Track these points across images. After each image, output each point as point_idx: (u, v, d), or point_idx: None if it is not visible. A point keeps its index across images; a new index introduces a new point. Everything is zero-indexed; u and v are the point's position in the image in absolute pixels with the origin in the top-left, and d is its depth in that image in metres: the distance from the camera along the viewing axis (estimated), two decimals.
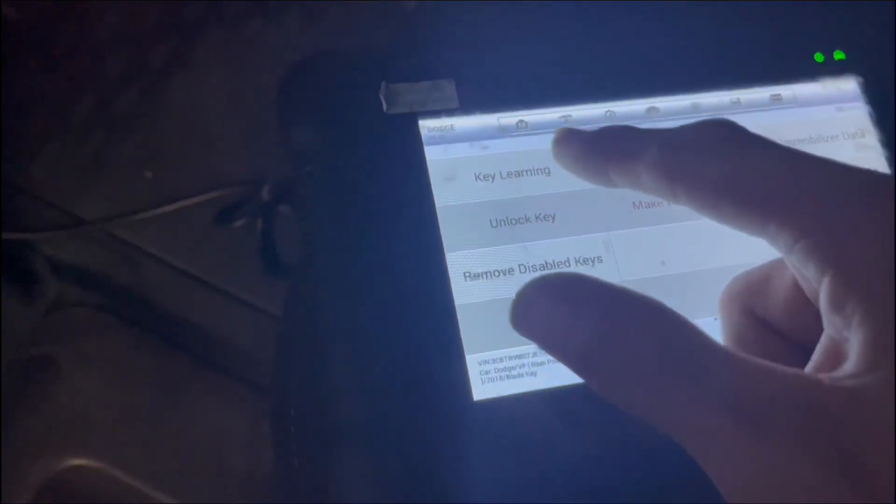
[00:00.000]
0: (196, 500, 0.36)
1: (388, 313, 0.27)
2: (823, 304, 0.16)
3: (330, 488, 0.26)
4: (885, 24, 0.33)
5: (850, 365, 0.15)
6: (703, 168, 0.18)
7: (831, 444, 0.14)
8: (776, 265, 0.20)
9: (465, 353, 0.27)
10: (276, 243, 0.37)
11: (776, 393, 0.15)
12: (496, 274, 0.28)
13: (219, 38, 0.43)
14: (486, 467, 0.26)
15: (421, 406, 0.26)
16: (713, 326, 0.28)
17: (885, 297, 0.15)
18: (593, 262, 0.29)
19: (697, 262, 0.29)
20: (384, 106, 0.29)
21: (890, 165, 0.31)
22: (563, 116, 0.30)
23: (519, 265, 0.28)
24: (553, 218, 0.29)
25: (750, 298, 0.21)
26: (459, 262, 0.28)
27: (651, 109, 0.31)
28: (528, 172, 0.29)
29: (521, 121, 0.30)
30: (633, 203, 0.29)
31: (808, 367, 0.17)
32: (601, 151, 0.21)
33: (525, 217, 0.29)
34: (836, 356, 0.16)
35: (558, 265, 0.28)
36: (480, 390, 0.27)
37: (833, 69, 0.32)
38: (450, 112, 0.30)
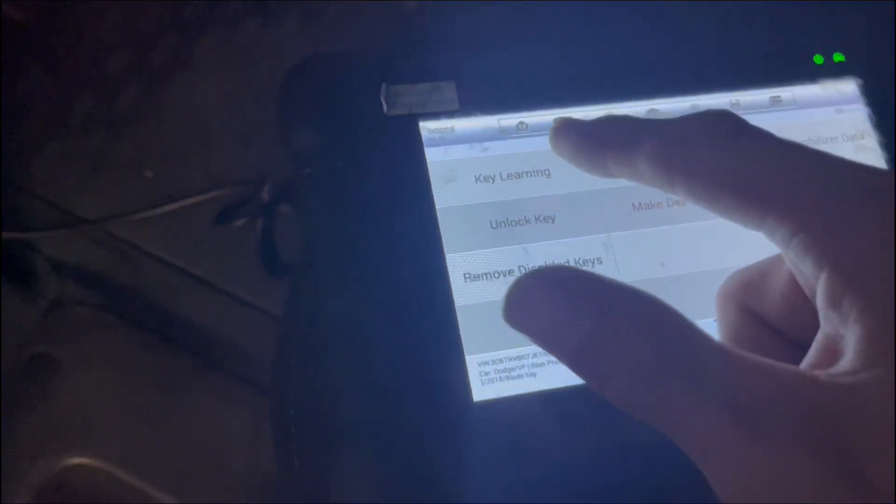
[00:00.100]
0: (196, 499, 0.36)
1: (388, 314, 0.27)
2: (820, 299, 0.16)
3: (330, 488, 0.27)
4: (885, 25, 0.33)
5: (846, 362, 0.15)
6: (702, 159, 0.18)
7: (829, 442, 0.14)
8: (772, 262, 0.20)
9: (465, 354, 0.27)
10: (276, 243, 0.37)
11: (773, 391, 0.15)
12: (496, 275, 0.28)
13: (219, 38, 0.43)
14: (486, 468, 0.26)
15: (421, 407, 0.26)
16: (713, 327, 0.28)
17: (883, 294, 0.15)
18: (593, 263, 0.29)
19: (697, 264, 0.29)
20: (384, 107, 0.29)
21: (889, 168, 0.31)
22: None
23: (519, 266, 0.28)
24: (553, 219, 0.29)
25: (746, 295, 0.21)
26: (459, 263, 0.28)
27: (651, 111, 0.31)
28: (529, 174, 0.29)
29: (521, 122, 0.30)
30: (633, 204, 0.29)
31: (804, 364, 0.17)
32: (599, 141, 0.21)
33: (525, 218, 0.29)
34: (832, 353, 0.16)
35: None
36: (480, 391, 0.27)
37: (833, 71, 0.32)
38: (450, 114, 0.30)
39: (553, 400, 0.26)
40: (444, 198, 0.29)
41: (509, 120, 0.30)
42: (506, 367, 0.27)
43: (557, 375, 0.27)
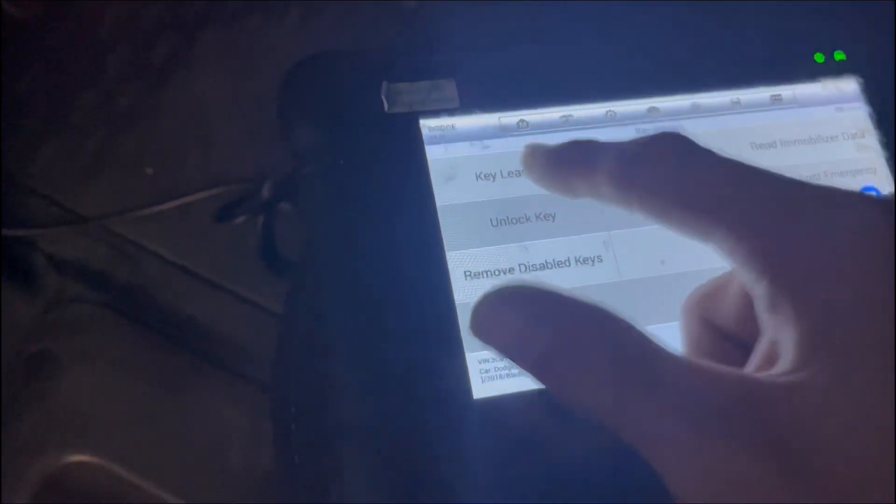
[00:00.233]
0: (196, 496, 0.36)
1: (389, 312, 0.28)
2: (760, 306, 0.17)
3: (330, 485, 0.27)
4: (886, 24, 0.33)
5: (783, 363, 0.16)
6: (653, 178, 0.19)
7: (769, 439, 0.15)
8: (728, 275, 0.21)
9: (466, 351, 0.27)
10: (276, 241, 0.37)
11: (719, 394, 0.16)
12: (496, 273, 0.28)
13: (219, 36, 0.43)
14: (486, 465, 0.26)
15: (421, 404, 0.27)
16: None
17: (814, 299, 0.16)
18: (593, 261, 0.29)
19: (696, 262, 0.29)
20: (385, 105, 0.29)
21: (890, 166, 0.31)
22: (564, 116, 0.30)
23: (519, 264, 0.28)
24: (553, 217, 0.29)
25: (705, 307, 0.22)
26: (460, 260, 0.28)
27: (652, 109, 0.31)
28: None
29: (521, 120, 0.30)
30: None
31: (748, 368, 0.18)
32: (565, 164, 0.22)
33: (525, 216, 0.29)
34: (772, 356, 0.17)
35: (558, 264, 0.28)
36: (480, 389, 0.27)
37: (833, 69, 0.32)
38: (450, 111, 0.30)
39: (553, 398, 0.26)
40: (444, 195, 0.29)
41: (510, 118, 0.30)
42: (506, 365, 0.27)
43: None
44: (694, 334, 0.22)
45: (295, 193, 0.35)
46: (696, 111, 0.31)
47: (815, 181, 0.18)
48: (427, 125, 0.29)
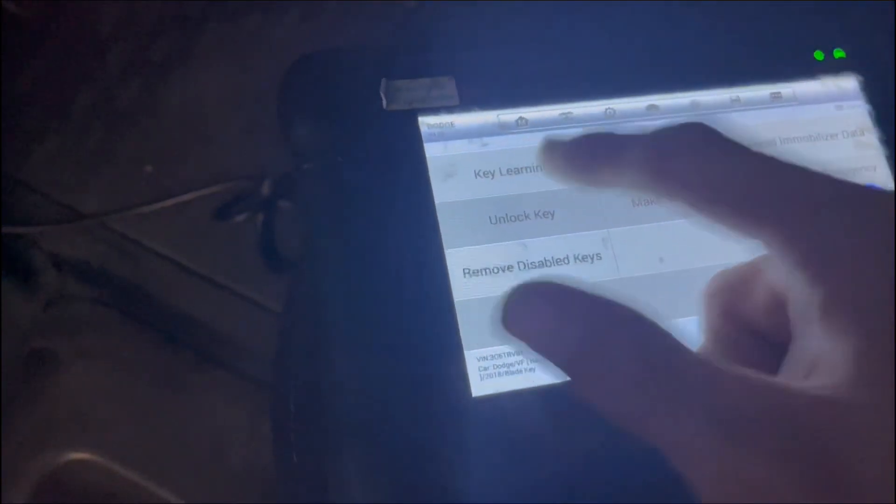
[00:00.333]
0: (195, 494, 0.36)
1: (388, 310, 0.27)
2: (803, 311, 0.17)
3: (329, 483, 0.27)
4: (886, 22, 0.33)
5: (829, 376, 0.16)
6: (691, 170, 0.19)
7: (809, 454, 0.14)
8: (755, 266, 0.20)
9: (465, 349, 0.27)
10: (276, 239, 0.37)
11: (751, 401, 0.15)
12: (495, 270, 0.28)
13: (219, 34, 0.43)
14: (485, 463, 0.26)
15: (420, 402, 0.26)
16: None
17: (873, 314, 0.16)
18: (592, 259, 0.29)
19: (695, 260, 0.29)
20: (384, 102, 0.29)
21: (890, 164, 0.31)
22: (563, 114, 0.30)
23: (518, 262, 0.28)
24: (552, 215, 0.29)
25: (728, 297, 0.21)
26: (459, 258, 0.28)
27: (651, 107, 0.31)
28: (528, 169, 0.29)
29: (520, 118, 0.30)
30: (633, 200, 0.29)
31: (782, 374, 0.18)
32: (590, 155, 0.22)
33: (524, 214, 0.29)
34: (811, 365, 0.16)
35: (557, 262, 0.28)
36: (479, 386, 0.27)
37: (833, 67, 0.32)
38: (450, 109, 0.30)
39: (552, 395, 0.26)
40: (443, 193, 0.29)
41: (509, 115, 0.30)
42: (505, 363, 0.27)
43: (556, 371, 0.27)
44: (714, 324, 0.21)
45: (294, 191, 0.35)
46: (695, 109, 0.31)
47: (846, 177, 0.18)
48: (426, 122, 0.29)
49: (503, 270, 0.28)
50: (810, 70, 0.32)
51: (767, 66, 0.32)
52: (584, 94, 0.30)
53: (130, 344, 0.38)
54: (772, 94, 0.31)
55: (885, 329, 0.15)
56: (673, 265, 0.29)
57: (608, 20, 0.33)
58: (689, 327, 0.28)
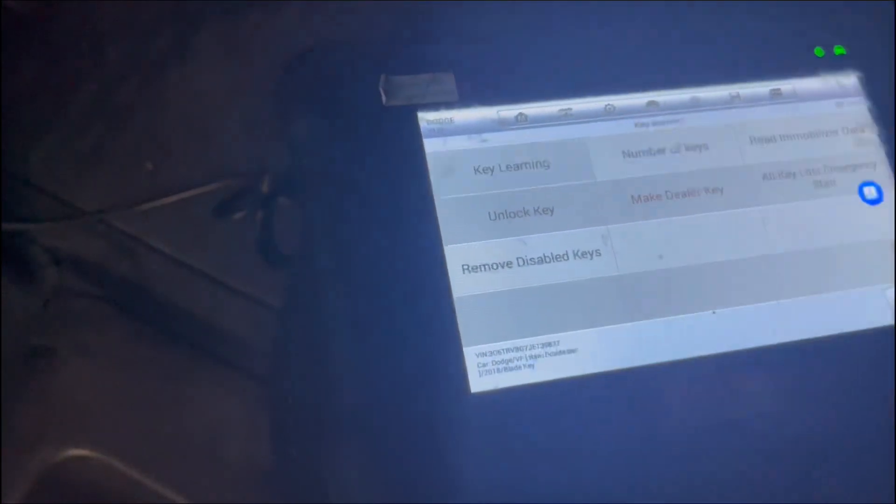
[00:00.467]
0: (194, 490, 0.36)
1: (387, 305, 0.27)
2: None
3: (327, 478, 0.27)
4: (886, 19, 0.33)
5: None
6: None
7: None
8: None
9: (463, 345, 0.27)
10: (275, 235, 0.37)
11: None
12: (494, 267, 0.28)
13: (219, 30, 0.42)
14: (483, 458, 0.26)
15: (419, 397, 0.27)
16: (710, 320, 0.28)
17: None
18: (591, 255, 0.29)
19: (695, 256, 0.29)
20: (383, 98, 0.29)
21: (889, 161, 0.31)
22: (563, 110, 0.30)
23: (517, 258, 0.28)
24: (552, 211, 0.29)
25: None
26: (458, 254, 0.28)
27: (651, 103, 0.31)
28: (527, 165, 0.29)
29: (520, 114, 0.30)
30: (632, 197, 0.29)
31: None
32: None
33: (524, 210, 0.29)
34: None
35: (557, 258, 0.28)
36: (478, 382, 0.27)
37: (833, 64, 0.32)
38: (449, 105, 0.30)
39: (550, 391, 0.26)
40: (442, 189, 0.29)
41: (508, 111, 0.30)
42: (503, 359, 0.27)
43: (554, 367, 0.27)
44: None
45: (294, 187, 0.35)
46: (695, 105, 0.31)
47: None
48: (425, 118, 0.29)
49: (502, 267, 0.28)
50: (811, 67, 0.32)
51: (768, 62, 0.32)
52: (584, 90, 0.30)
53: (130, 340, 0.38)
54: (772, 90, 0.31)
55: None
56: (672, 262, 0.29)
57: (608, 16, 0.33)
58: (688, 324, 0.28)
